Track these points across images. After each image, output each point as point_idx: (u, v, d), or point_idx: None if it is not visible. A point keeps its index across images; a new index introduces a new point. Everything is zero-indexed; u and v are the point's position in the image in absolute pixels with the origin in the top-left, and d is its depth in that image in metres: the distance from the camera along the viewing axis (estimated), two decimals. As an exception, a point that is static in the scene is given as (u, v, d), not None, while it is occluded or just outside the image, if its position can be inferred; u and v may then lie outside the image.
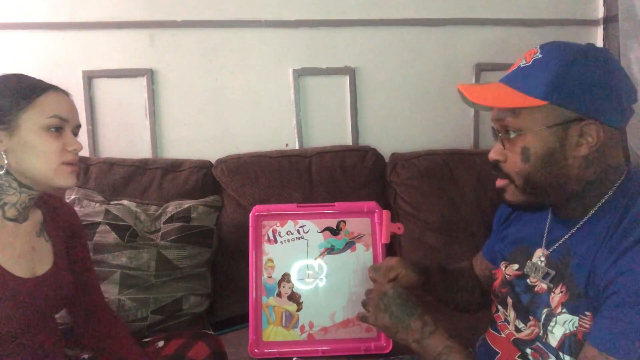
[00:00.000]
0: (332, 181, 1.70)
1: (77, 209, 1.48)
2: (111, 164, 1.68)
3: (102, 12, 1.76)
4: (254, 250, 1.32)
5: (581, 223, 0.82)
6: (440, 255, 1.63)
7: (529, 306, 0.86)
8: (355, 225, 1.35)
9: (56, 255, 1.01)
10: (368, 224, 1.35)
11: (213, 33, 1.81)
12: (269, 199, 1.65)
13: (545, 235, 0.89)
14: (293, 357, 1.25)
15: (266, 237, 1.34)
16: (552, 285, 0.83)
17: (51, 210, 1.04)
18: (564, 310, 0.80)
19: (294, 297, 1.30)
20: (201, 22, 1.80)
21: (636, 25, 1.70)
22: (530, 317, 0.86)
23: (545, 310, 0.83)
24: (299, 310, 1.30)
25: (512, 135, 0.81)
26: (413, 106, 1.91)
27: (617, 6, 1.78)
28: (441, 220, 1.66)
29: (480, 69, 1.89)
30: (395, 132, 1.92)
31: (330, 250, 1.33)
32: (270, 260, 1.32)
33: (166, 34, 1.80)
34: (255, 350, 1.27)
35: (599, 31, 1.96)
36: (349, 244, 1.34)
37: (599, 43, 1.96)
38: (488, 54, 1.89)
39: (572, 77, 0.77)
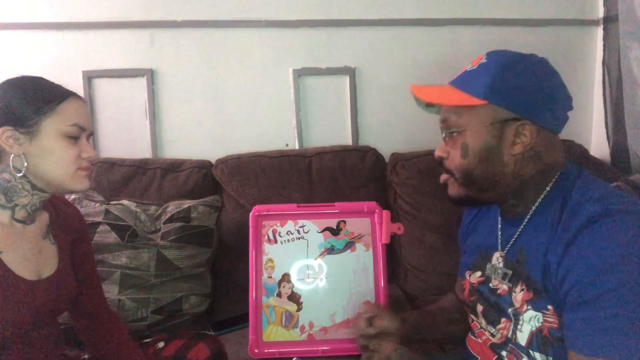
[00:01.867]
0: (332, 181, 1.70)
1: (77, 209, 1.48)
2: (111, 164, 1.68)
3: (102, 12, 1.76)
4: (254, 250, 1.32)
5: (526, 220, 0.86)
6: (440, 255, 1.64)
7: (498, 309, 0.89)
8: (355, 225, 1.35)
9: (61, 258, 1.01)
10: (368, 224, 1.35)
11: (213, 33, 1.81)
12: (269, 199, 1.65)
13: (499, 237, 0.93)
14: (293, 357, 1.25)
15: (266, 237, 1.33)
16: (511, 285, 0.87)
17: (58, 213, 1.04)
18: (528, 307, 0.83)
19: (294, 297, 1.30)
20: (201, 22, 1.80)
21: (636, 25, 1.70)
22: (502, 320, 0.88)
23: (510, 309, 0.86)
24: (299, 310, 1.30)
25: (454, 133, 0.87)
26: (413, 106, 1.91)
27: (617, 6, 1.79)
28: (441, 220, 1.66)
29: (480, 69, 1.89)
30: (395, 132, 1.92)
31: (330, 250, 1.33)
32: (270, 260, 1.32)
33: (166, 34, 1.80)
34: (255, 350, 1.27)
35: (599, 31, 1.96)
36: (349, 244, 1.34)
37: (599, 43, 1.96)
38: (488, 54, 1.89)
39: (509, 79, 0.83)
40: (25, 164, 0.89)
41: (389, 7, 1.86)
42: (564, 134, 0.90)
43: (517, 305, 0.85)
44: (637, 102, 1.74)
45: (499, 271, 0.90)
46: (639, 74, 1.72)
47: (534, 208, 0.86)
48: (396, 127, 1.92)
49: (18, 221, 0.94)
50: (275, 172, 1.70)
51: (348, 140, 1.90)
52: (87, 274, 1.10)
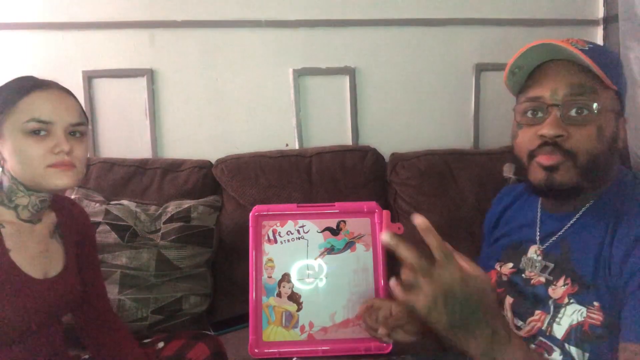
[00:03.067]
0: (332, 181, 1.70)
1: (77, 209, 1.48)
2: (111, 164, 1.68)
3: (102, 12, 1.76)
4: (254, 250, 1.32)
5: (577, 216, 0.82)
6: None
7: (534, 300, 0.85)
8: (355, 225, 1.35)
9: (67, 258, 1.01)
10: (368, 224, 1.35)
11: (213, 33, 1.81)
12: (269, 199, 1.65)
13: (537, 231, 0.89)
14: (293, 357, 1.25)
15: (266, 237, 1.33)
16: (551, 278, 0.83)
17: (65, 213, 1.04)
18: (572, 301, 0.79)
19: (294, 297, 1.30)
20: (201, 22, 1.80)
21: (636, 25, 1.70)
22: (536, 312, 0.84)
23: (550, 301, 0.82)
24: (299, 310, 1.30)
25: (587, 112, 0.77)
26: (413, 106, 1.91)
27: (617, 6, 1.78)
28: (441, 220, 1.65)
29: (480, 69, 1.89)
30: (395, 132, 1.92)
31: (330, 250, 1.33)
32: (270, 260, 1.32)
33: (166, 34, 1.80)
34: (255, 350, 1.27)
35: (599, 31, 1.96)
36: (349, 244, 1.34)
37: (599, 43, 1.96)
38: (488, 54, 1.89)
39: (623, 75, 0.81)
40: (2, 168, 0.89)
41: (389, 7, 1.86)
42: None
43: (556, 297, 0.81)
44: (637, 102, 1.74)
45: (537, 264, 0.86)
46: (639, 74, 1.72)
47: (588, 204, 0.82)
48: (396, 127, 1.92)
49: (24, 221, 0.94)
50: (275, 172, 1.70)
51: (348, 140, 1.90)
52: (92, 275, 1.10)
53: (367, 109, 1.90)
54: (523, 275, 0.89)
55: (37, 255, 0.94)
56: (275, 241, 1.34)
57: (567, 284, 0.80)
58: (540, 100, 0.81)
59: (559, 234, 0.85)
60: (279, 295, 1.30)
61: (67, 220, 1.04)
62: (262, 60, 1.84)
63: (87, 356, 1.14)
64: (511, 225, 0.98)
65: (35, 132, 0.88)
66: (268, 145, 1.82)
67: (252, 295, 1.29)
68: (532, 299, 0.85)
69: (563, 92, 0.79)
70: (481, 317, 0.64)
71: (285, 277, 1.31)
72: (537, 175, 0.81)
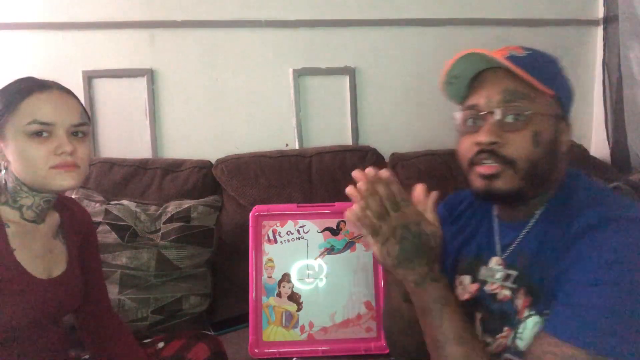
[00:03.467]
0: (332, 181, 1.70)
1: (77, 209, 1.48)
2: (111, 164, 1.68)
3: (102, 12, 1.76)
4: (254, 250, 1.32)
5: (531, 223, 0.82)
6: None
7: (501, 316, 0.84)
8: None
9: (70, 258, 1.01)
10: (368, 224, 1.35)
11: (213, 33, 1.81)
12: (269, 199, 1.65)
13: (497, 242, 0.88)
14: (293, 357, 1.25)
15: (266, 237, 1.34)
16: (515, 286, 0.82)
17: (68, 213, 1.04)
18: (532, 313, 0.79)
19: (294, 297, 1.30)
20: (201, 22, 1.80)
21: (636, 25, 1.70)
22: (505, 328, 0.83)
23: (515, 317, 0.81)
24: (299, 310, 1.30)
25: (521, 118, 0.77)
26: (413, 106, 1.91)
27: (617, 6, 1.79)
28: (441, 220, 1.66)
29: (480, 69, 1.89)
30: (395, 132, 1.92)
31: (330, 250, 1.33)
32: (270, 260, 1.32)
33: (166, 34, 1.80)
34: (255, 350, 1.27)
35: (599, 31, 1.96)
36: (349, 244, 1.34)
37: (599, 43, 1.96)
38: (488, 54, 1.89)
39: (565, 78, 0.81)
40: (3, 171, 0.89)
41: (389, 7, 1.86)
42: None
43: (518, 310, 0.81)
44: (637, 102, 1.75)
45: (498, 274, 0.85)
46: (639, 74, 1.72)
47: (539, 211, 0.82)
48: (396, 127, 1.92)
49: (28, 221, 0.94)
50: (275, 172, 1.70)
51: (348, 140, 1.90)
52: (93, 275, 1.10)
53: (367, 109, 1.90)
54: (486, 289, 0.87)
55: (41, 255, 0.95)
56: (275, 241, 1.34)
57: (524, 295, 0.80)
58: (476, 108, 0.82)
59: (516, 243, 0.84)
60: (279, 295, 1.30)
61: (70, 221, 1.04)
62: (262, 60, 1.84)
63: (87, 356, 1.14)
64: (466, 236, 0.96)
65: (37, 134, 0.87)
66: (268, 145, 1.82)
67: (252, 295, 1.29)
68: (499, 315, 0.84)
69: (497, 99, 0.79)
70: (424, 255, 0.75)
71: (285, 277, 1.31)
72: (476, 183, 0.82)
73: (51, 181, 0.89)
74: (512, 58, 0.81)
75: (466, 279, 0.93)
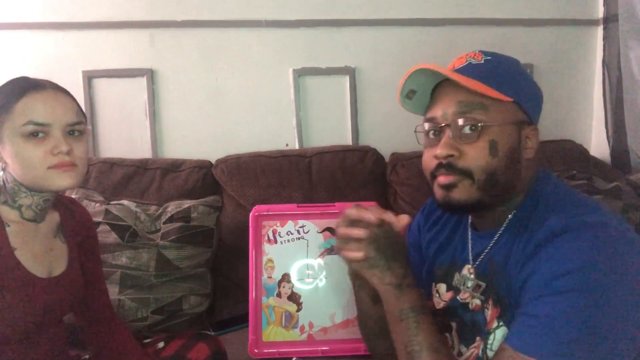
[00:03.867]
0: (332, 181, 1.70)
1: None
2: (111, 164, 1.68)
3: (102, 12, 1.76)
4: (254, 250, 1.32)
5: (500, 232, 0.82)
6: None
7: (473, 326, 0.84)
8: (355, 225, 1.35)
9: (71, 257, 1.01)
10: (368, 224, 1.35)
11: (213, 33, 1.81)
12: (269, 199, 1.65)
13: (470, 251, 0.88)
14: (293, 358, 1.25)
15: (266, 237, 1.33)
16: (483, 298, 0.82)
17: (68, 213, 1.04)
18: (500, 324, 0.78)
19: (293, 298, 1.30)
20: (201, 22, 1.80)
21: (636, 25, 1.70)
22: (477, 338, 0.83)
23: (485, 327, 0.81)
24: (298, 310, 1.30)
25: (476, 128, 0.76)
26: (413, 106, 1.90)
27: (617, 6, 1.79)
28: (441, 221, 1.66)
29: (480, 69, 1.89)
30: (395, 132, 1.91)
31: (330, 250, 1.33)
32: (270, 260, 1.32)
33: (166, 34, 1.80)
34: (255, 351, 1.27)
35: (599, 31, 1.96)
36: (349, 244, 1.34)
37: (599, 43, 1.96)
38: (488, 54, 1.89)
39: (527, 82, 0.81)
40: (1, 172, 0.89)
41: (389, 7, 1.87)
42: (563, 134, 0.90)
43: (487, 321, 0.81)
44: (637, 102, 1.74)
45: (470, 283, 0.85)
46: (639, 74, 1.72)
47: (508, 220, 0.81)
48: (396, 127, 1.91)
49: (28, 220, 0.94)
50: (275, 172, 1.70)
51: (348, 140, 1.90)
52: (94, 275, 1.10)
53: (367, 109, 1.90)
54: (459, 298, 0.87)
55: (41, 254, 0.95)
56: (275, 241, 1.34)
57: (492, 305, 0.80)
58: (434, 121, 0.82)
59: (485, 252, 0.84)
60: (279, 295, 1.30)
61: (70, 220, 1.04)
62: (262, 60, 1.84)
63: (87, 356, 1.14)
64: (443, 244, 0.96)
65: (33, 135, 0.87)
66: (268, 145, 1.82)
67: (252, 295, 1.29)
68: (471, 325, 0.85)
69: (452, 111, 0.79)
70: (399, 256, 0.78)
71: (285, 277, 1.31)
72: (437, 193, 0.82)
73: (50, 181, 0.88)
74: (467, 67, 0.80)
75: (442, 286, 0.93)
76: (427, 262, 0.99)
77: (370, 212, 0.80)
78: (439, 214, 0.99)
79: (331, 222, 1.35)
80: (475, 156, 0.77)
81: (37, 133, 0.87)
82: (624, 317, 0.67)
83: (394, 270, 0.77)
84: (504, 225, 0.81)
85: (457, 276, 0.89)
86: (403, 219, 0.81)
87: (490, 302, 0.81)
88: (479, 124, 0.76)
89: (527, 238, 0.75)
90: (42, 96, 0.89)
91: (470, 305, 0.85)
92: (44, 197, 0.94)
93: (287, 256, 1.33)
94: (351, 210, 0.81)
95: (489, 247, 0.83)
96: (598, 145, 1.99)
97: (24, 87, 0.89)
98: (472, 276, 0.85)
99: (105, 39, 1.77)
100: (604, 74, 1.93)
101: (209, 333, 1.34)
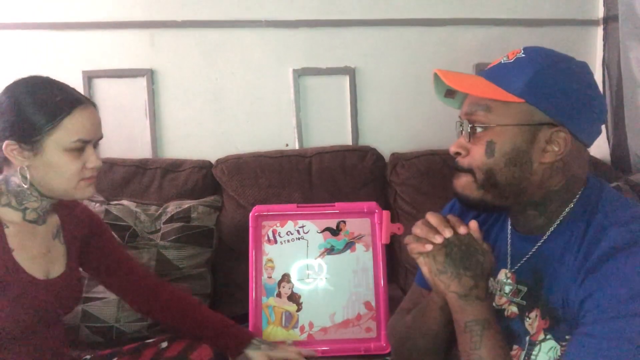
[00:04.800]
0: (332, 181, 1.70)
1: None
2: (111, 164, 1.68)
3: (103, 12, 1.76)
4: (253, 250, 1.32)
5: (545, 237, 0.80)
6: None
7: (508, 334, 0.81)
8: (355, 225, 1.35)
9: (69, 258, 1.02)
10: (368, 225, 1.35)
11: (213, 33, 1.81)
12: (269, 199, 1.65)
13: (508, 254, 0.86)
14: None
15: (266, 238, 1.34)
16: (524, 303, 0.81)
17: (67, 213, 1.05)
18: (548, 337, 0.77)
19: (293, 298, 1.31)
20: (201, 22, 1.80)
21: (636, 25, 1.70)
22: (514, 346, 0.81)
23: (527, 337, 0.80)
24: (298, 310, 1.30)
25: (479, 129, 0.78)
26: (413, 106, 1.91)
27: (617, 6, 1.78)
28: (441, 221, 1.65)
29: (480, 69, 1.89)
30: (395, 132, 1.92)
31: (330, 250, 1.33)
32: (270, 260, 1.32)
33: (166, 34, 1.80)
34: (255, 351, 1.27)
35: (599, 31, 1.96)
36: (349, 245, 1.34)
37: (599, 43, 1.96)
38: (488, 54, 1.89)
39: (552, 79, 0.75)
40: (28, 176, 0.90)
41: (389, 7, 1.86)
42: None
43: (531, 332, 0.78)
44: (637, 102, 1.74)
45: (507, 288, 0.83)
46: (639, 73, 1.72)
47: (555, 225, 0.79)
48: (396, 127, 1.92)
49: (30, 222, 0.95)
50: (275, 172, 1.70)
51: (348, 140, 1.90)
52: (114, 255, 1.13)
53: (367, 109, 1.90)
54: (495, 304, 0.86)
55: (38, 256, 0.95)
56: (275, 241, 1.34)
57: (538, 316, 0.78)
58: (458, 120, 0.85)
59: (528, 256, 0.82)
60: (279, 295, 1.31)
61: (70, 221, 1.05)
62: (262, 60, 1.84)
63: (88, 356, 1.14)
64: None
65: (75, 150, 0.91)
66: (268, 145, 1.82)
67: (252, 295, 1.30)
68: (506, 333, 0.81)
69: (464, 111, 0.82)
70: (470, 267, 0.77)
71: (285, 278, 1.32)
72: (452, 186, 0.85)
73: (79, 192, 0.93)
74: (495, 67, 0.81)
75: None
76: None
77: (449, 223, 0.80)
78: (474, 214, 0.96)
79: (331, 222, 1.35)
80: (474, 156, 0.79)
81: (79, 149, 0.91)
82: None
83: (462, 279, 0.76)
84: (551, 230, 0.80)
85: (491, 281, 0.86)
86: (473, 226, 0.80)
87: (536, 312, 0.79)
88: (477, 125, 0.78)
89: (586, 250, 0.73)
90: (88, 113, 0.93)
91: (505, 312, 0.84)
92: (51, 202, 0.96)
93: (287, 256, 1.33)
94: (432, 216, 0.82)
95: (531, 252, 0.82)
96: (598, 145, 1.98)
97: (71, 101, 0.91)
98: (509, 281, 0.84)
99: (105, 39, 1.77)
100: (604, 74, 1.93)
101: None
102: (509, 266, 0.85)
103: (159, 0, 1.78)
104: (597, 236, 0.72)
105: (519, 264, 0.83)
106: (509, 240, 0.87)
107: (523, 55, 0.79)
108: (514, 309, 0.82)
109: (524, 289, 0.81)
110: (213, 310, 1.21)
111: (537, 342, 0.78)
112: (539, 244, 0.80)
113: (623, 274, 0.67)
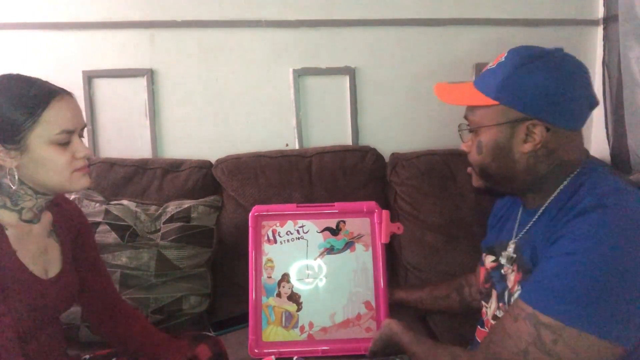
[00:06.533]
0: (332, 181, 1.70)
1: (77, 209, 1.48)
2: (111, 164, 1.68)
3: (102, 12, 1.76)
4: (253, 250, 1.32)
5: (540, 211, 0.90)
6: (440, 255, 1.64)
7: (502, 294, 0.95)
8: (355, 225, 1.35)
9: (64, 256, 1.02)
10: (368, 224, 1.35)
11: (213, 33, 1.81)
12: (269, 199, 1.65)
13: (516, 227, 0.98)
14: (293, 357, 1.25)
15: (266, 237, 1.33)
16: (512, 268, 0.93)
17: (59, 211, 1.05)
18: (518, 288, 0.89)
19: (293, 297, 1.30)
20: (201, 22, 1.80)
21: (636, 25, 1.70)
22: (500, 304, 0.95)
23: (505, 291, 0.93)
24: (298, 310, 1.30)
25: (471, 131, 0.93)
26: (413, 106, 1.91)
27: (617, 6, 1.78)
28: (441, 220, 1.66)
29: (480, 69, 1.88)
30: (395, 132, 1.92)
31: (330, 250, 1.33)
32: (270, 260, 1.32)
33: (166, 34, 1.80)
34: (255, 351, 1.27)
35: (599, 31, 1.96)
36: (349, 244, 1.34)
37: (599, 43, 1.96)
38: (488, 54, 1.87)
39: (520, 79, 0.85)
40: (17, 176, 0.89)
41: (389, 7, 1.86)
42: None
43: (509, 285, 0.92)
44: (637, 102, 1.74)
45: (508, 256, 0.95)
46: (639, 73, 1.71)
47: (549, 200, 0.89)
48: (396, 127, 1.92)
49: (26, 221, 0.95)
50: (275, 172, 1.70)
51: (348, 140, 1.90)
52: (93, 266, 1.11)
53: (367, 109, 1.91)
54: (502, 271, 0.97)
55: (38, 255, 0.96)
56: (275, 241, 1.34)
57: (515, 270, 0.91)
58: (461, 123, 0.99)
59: (527, 228, 0.93)
60: (279, 295, 1.30)
61: (62, 219, 1.05)
62: (262, 60, 1.84)
63: (87, 356, 1.14)
64: (503, 222, 1.07)
65: (61, 143, 0.90)
66: (268, 145, 1.82)
67: (252, 295, 1.29)
68: (500, 293, 0.96)
69: (464, 115, 0.96)
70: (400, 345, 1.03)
71: (285, 277, 1.31)
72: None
73: (75, 184, 0.93)
74: (484, 72, 0.93)
75: (489, 258, 1.04)
76: (488, 237, 1.11)
77: None
78: (505, 201, 1.11)
79: (331, 222, 1.35)
80: (471, 154, 0.95)
81: (65, 142, 0.90)
82: (631, 290, 0.71)
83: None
84: (545, 204, 0.89)
85: (504, 254, 0.98)
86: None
87: (514, 267, 0.92)
88: (466, 129, 0.95)
89: (563, 215, 0.82)
90: (65, 103, 0.92)
91: (506, 277, 0.95)
92: (46, 199, 0.95)
93: (287, 256, 1.32)
94: None
95: (530, 223, 0.92)
96: (598, 145, 1.99)
97: (46, 93, 0.90)
98: (510, 250, 0.95)
99: (105, 39, 1.78)
100: (604, 74, 1.93)
101: (210, 334, 1.34)
102: (513, 237, 0.97)
103: (159, 0, 1.78)
104: (573, 205, 0.81)
105: (520, 235, 0.95)
106: (519, 216, 0.99)
107: (502, 60, 0.89)
108: (513, 276, 0.93)
109: (514, 255, 0.94)
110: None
111: (513, 293, 0.91)
112: (536, 217, 0.91)
113: (579, 228, 0.76)
